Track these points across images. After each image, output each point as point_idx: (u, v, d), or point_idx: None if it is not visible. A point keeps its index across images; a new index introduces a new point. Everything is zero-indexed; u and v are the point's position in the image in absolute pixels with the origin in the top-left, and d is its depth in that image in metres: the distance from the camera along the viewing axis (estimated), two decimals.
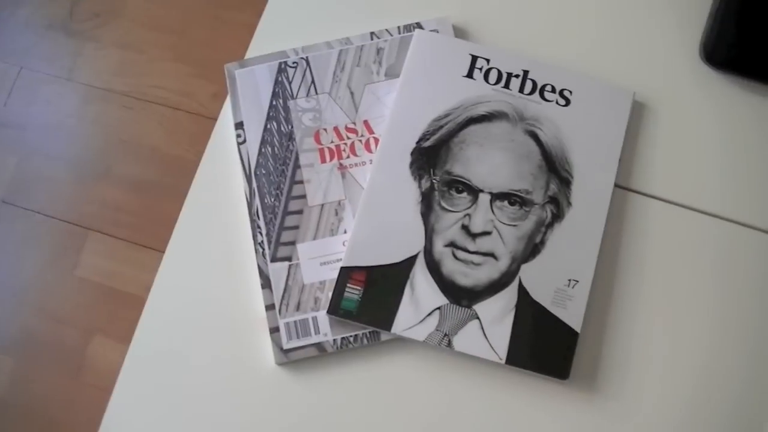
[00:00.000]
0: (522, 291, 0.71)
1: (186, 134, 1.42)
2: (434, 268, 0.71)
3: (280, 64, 0.77)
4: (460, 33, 0.79)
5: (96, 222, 1.54)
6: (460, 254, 0.71)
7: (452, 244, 0.71)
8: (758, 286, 0.75)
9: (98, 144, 1.61)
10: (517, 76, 0.75)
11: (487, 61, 0.76)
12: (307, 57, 0.77)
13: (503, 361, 0.70)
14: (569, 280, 0.72)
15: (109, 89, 1.62)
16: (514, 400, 0.72)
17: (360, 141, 0.75)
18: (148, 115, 1.60)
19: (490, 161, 0.73)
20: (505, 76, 0.75)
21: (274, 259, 0.73)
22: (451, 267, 0.71)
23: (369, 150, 0.75)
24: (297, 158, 0.75)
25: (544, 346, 0.70)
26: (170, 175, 1.44)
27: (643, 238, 0.76)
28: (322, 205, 0.74)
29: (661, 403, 0.73)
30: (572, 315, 0.71)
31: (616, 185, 0.76)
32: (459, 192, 0.72)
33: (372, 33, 0.78)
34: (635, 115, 0.78)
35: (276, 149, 0.75)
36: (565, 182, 0.73)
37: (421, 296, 0.70)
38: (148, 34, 1.65)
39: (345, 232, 0.73)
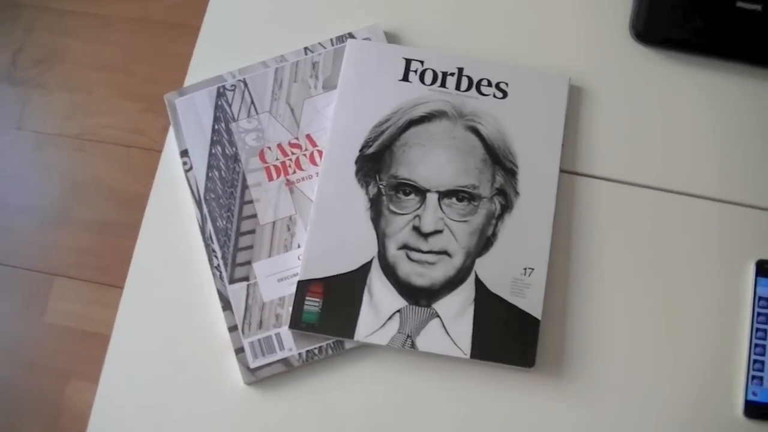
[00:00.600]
0: (479, 285, 0.75)
1: (141, 170, 1.46)
2: (390, 272, 0.75)
3: (219, 88, 0.81)
4: (392, 38, 0.83)
5: (60, 267, 1.58)
6: (414, 255, 0.75)
7: (405, 246, 0.75)
8: (710, 254, 0.80)
9: (55, 189, 1.64)
10: (452, 74, 0.80)
11: (422, 62, 0.80)
12: (244, 79, 0.81)
13: (468, 356, 0.73)
14: (525, 269, 0.76)
15: (60, 134, 1.66)
16: (482, 393, 0.75)
17: (304, 155, 0.79)
18: (102, 155, 1.64)
19: (434, 160, 0.77)
20: (440, 75, 0.80)
21: (232, 281, 0.76)
22: (406, 269, 0.75)
23: (314, 163, 0.79)
24: (244, 179, 0.79)
25: (507, 337, 0.74)
26: (130, 213, 1.48)
27: (594, 218, 0.80)
28: (274, 222, 0.78)
29: (625, 382, 0.76)
30: (532, 303, 0.75)
31: (562, 170, 0.80)
32: (406, 194, 0.76)
33: (306, 48, 0.82)
34: (573, 99, 0.83)
35: (223, 172, 0.79)
36: (511, 173, 0.77)
37: (380, 301, 0.74)
38: (93, 74, 1.69)
39: (299, 246, 0.77)
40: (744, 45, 0.83)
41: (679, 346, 0.77)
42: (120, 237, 1.57)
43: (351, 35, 0.81)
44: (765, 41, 0.82)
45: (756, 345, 0.78)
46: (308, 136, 0.78)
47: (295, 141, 0.78)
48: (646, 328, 0.77)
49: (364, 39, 0.80)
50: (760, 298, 0.79)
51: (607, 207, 0.80)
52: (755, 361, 0.78)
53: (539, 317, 0.74)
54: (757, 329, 0.78)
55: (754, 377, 0.77)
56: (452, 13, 0.85)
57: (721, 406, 0.76)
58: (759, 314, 0.79)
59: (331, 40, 0.81)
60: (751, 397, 0.77)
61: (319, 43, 0.81)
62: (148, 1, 1.78)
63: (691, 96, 0.83)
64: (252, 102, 0.79)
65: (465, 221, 0.74)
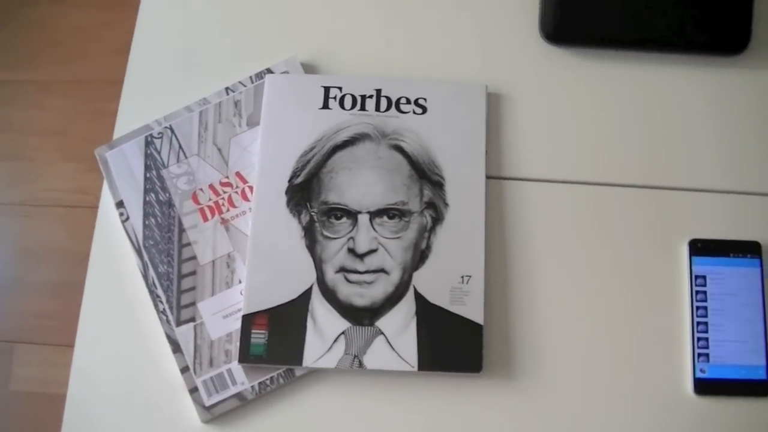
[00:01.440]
0: (419, 298, 0.81)
1: (89, 229, 1.52)
2: (330, 296, 0.81)
3: (147, 137, 0.88)
4: (309, 68, 0.90)
5: (20, 333, 1.64)
6: (352, 277, 0.81)
7: (342, 269, 0.81)
8: (644, 239, 0.86)
9: (5, 258, 1.70)
10: (370, 96, 0.87)
11: (340, 89, 0.87)
12: (170, 125, 0.88)
13: (416, 369, 0.79)
14: (462, 277, 0.82)
15: (5, 203, 1.73)
16: (434, 403, 0.81)
17: (236, 192, 0.86)
18: (49, 219, 1.71)
19: (362, 182, 0.83)
20: (359, 99, 0.87)
21: (179, 323, 0.82)
22: (346, 291, 0.81)
23: (246, 199, 0.86)
24: (180, 223, 0.85)
25: (452, 345, 0.80)
26: (82, 272, 1.53)
27: (526, 219, 0.86)
28: (213, 261, 0.84)
29: (573, 375, 0.82)
30: (472, 309, 0.81)
31: (488, 177, 0.86)
32: (338, 218, 0.83)
33: (227, 88, 0.89)
34: (492, 106, 0.89)
35: (159, 219, 0.86)
36: (438, 185, 0.84)
37: (324, 325, 0.80)
38: (33, 140, 1.76)
39: (240, 281, 0.83)
40: (653, 34, 0.90)
41: (623, 333, 0.83)
42: (74, 297, 1.61)
43: (269, 70, 0.88)
44: (673, 28, 0.89)
45: (698, 323, 0.83)
46: (238, 174, 0.85)
47: (225, 180, 0.85)
48: (589, 319, 0.83)
49: (282, 73, 0.87)
50: (696, 277, 0.85)
51: (537, 207, 0.86)
52: (699, 339, 0.83)
53: (481, 322, 0.80)
54: (697, 307, 0.84)
55: (699, 355, 0.83)
56: (366, 36, 0.91)
57: (672, 387, 0.82)
58: (697, 292, 0.84)
59: (251, 77, 0.88)
60: (699, 375, 0.82)
61: (240, 82, 0.88)
62: (82, 62, 1.86)
63: (605, 89, 0.90)
64: (180, 147, 0.86)
65: (398, 237, 0.81)
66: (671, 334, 0.83)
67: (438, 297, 0.80)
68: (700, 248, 0.86)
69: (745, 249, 0.86)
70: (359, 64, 0.90)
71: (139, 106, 0.89)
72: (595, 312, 0.83)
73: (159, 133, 0.85)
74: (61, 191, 1.73)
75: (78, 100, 1.79)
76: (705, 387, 0.83)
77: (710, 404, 0.82)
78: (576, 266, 0.84)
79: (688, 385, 0.82)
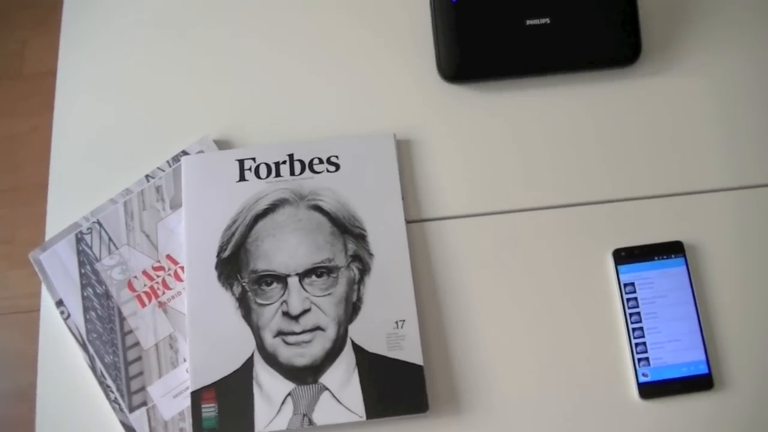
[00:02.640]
0: (357, 349, 0.90)
1: None
2: (272, 360, 0.90)
3: (77, 234, 0.98)
4: (223, 145, 1.00)
5: None
6: (290, 339, 0.90)
7: (280, 333, 0.90)
8: (570, 256, 0.94)
9: None
10: (284, 162, 0.97)
11: (253, 159, 0.97)
12: (98, 219, 0.98)
13: (364, 418, 0.87)
14: (396, 322, 0.91)
15: None
16: None
17: (169, 275, 0.96)
18: (5, 326, 1.82)
19: (287, 246, 0.93)
20: (273, 166, 0.96)
21: (131, 410, 0.91)
22: (286, 354, 0.90)
23: (179, 279, 0.95)
24: (120, 312, 0.95)
25: (396, 389, 0.87)
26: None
27: (452, 256, 0.94)
28: (156, 344, 0.94)
29: (520, 399, 0.89)
30: (411, 352, 0.90)
31: (408, 221, 0.94)
32: (269, 284, 0.92)
33: (147, 175, 0.99)
34: (403, 152, 0.98)
35: (99, 311, 0.95)
36: (361, 237, 0.94)
37: (270, 389, 0.89)
38: None
39: (184, 360, 0.93)
40: (547, 59, 0.98)
41: (563, 352, 0.90)
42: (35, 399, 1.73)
43: (185, 152, 0.98)
44: (566, 50, 0.98)
45: (634, 329, 0.91)
46: (168, 256, 0.95)
47: (157, 264, 0.95)
48: (528, 343, 0.90)
49: (197, 153, 0.97)
50: (625, 285, 0.92)
51: (461, 243, 0.94)
52: (637, 344, 0.90)
53: (421, 363, 0.87)
54: (631, 314, 0.91)
55: (640, 360, 0.90)
56: (273, 104, 1.00)
57: (618, 396, 0.89)
58: (628, 300, 0.92)
59: (168, 161, 0.98)
60: (642, 379, 0.89)
61: (158, 168, 0.98)
62: (15, 170, 1.98)
63: (508, 118, 0.98)
64: (110, 239, 0.96)
65: (329, 294, 0.90)
66: (610, 345, 0.91)
67: (375, 345, 0.87)
68: (624, 257, 0.93)
69: (669, 250, 0.94)
70: (271, 133, 0.99)
71: (65, 205, 0.98)
72: (533, 335, 0.91)
73: (88, 229, 0.94)
74: (13, 298, 1.84)
75: (17, 207, 1.91)
76: (650, 390, 0.89)
77: (657, 406, 0.89)
78: (508, 294, 0.92)
79: (634, 391, 0.89)
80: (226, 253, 0.90)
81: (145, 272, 0.90)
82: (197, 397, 0.87)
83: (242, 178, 0.94)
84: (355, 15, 1.04)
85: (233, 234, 0.91)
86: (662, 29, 1.03)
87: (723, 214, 0.95)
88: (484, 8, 0.97)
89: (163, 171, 0.94)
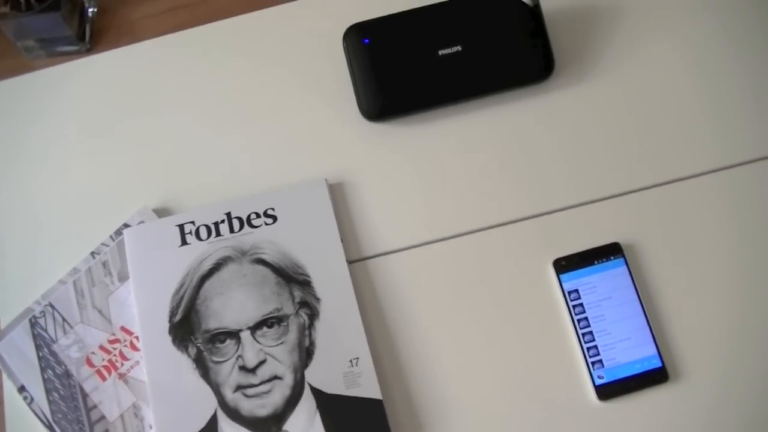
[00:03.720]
0: (316, 392, 0.96)
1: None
2: (235, 415, 0.96)
3: (30, 319, 1.05)
4: (162, 212, 1.08)
5: None
6: (249, 391, 0.97)
7: (239, 387, 0.97)
8: (514, 273, 1.00)
9: None
10: (222, 221, 1.04)
11: (193, 223, 1.04)
12: (49, 302, 1.05)
13: None
14: (351, 361, 0.98)
15: None
16: None
17: (125, 346, 1.03)
18: None
19: (235, 302, 1.00)
20: (212, 227, 1.04)
21: None
22: (247, 406, 0.97)
23: (136, 349, 1.03)
24: (82, 389, 1.02)
25: (359, 426, 0.92)
26: None
27: (397, 289, 1.00)
28: (121, 415, 1.00)
29: (482, 418, 0.94)
30: (368, 388, 0.96)
31: (350, 262, 1.01)
32: (222, 342, 0.99)
33: (92, 252, 1.07)
34: (337, 195, 1.04)
35: (61, 391, 1.02)
36: (306, 284, 1.01)
37: None
38: None
39: (151, 427, 1.00)
40: (460, 85, 1.06)
41: (519, 366, 0.96)
42: None
43: (126, 225, 1.06)
44: (476, 75, 1.06)
45: (584, 334, 0.97)
46: (122, 328, 1.02)
47: (113, 337, 1.02)
48: (484, 362, 0.96)
49: (138, 223, 1.05)
50: (569, 293, 0.99)
51: (404, 275, 1.00)
52: (588, 348, 0.96)
53: (380, 397, 0.93)
54: (579, 320, 0.98)
55: (594, 363, 0.96)
56: (207, 166, 1.07)
57: (577, 401, 0.95)
58: (574, 306, 0.98)
59: (111, 236, 1.05)
60: (598, 382, 0.95)
61: (102, 244, 1.05)
62: None
63: (435, 147, 1.06)
64: (63, 319, 1.03)
65: (282, 343, 0.97)
66: (564, 353, 0.97)
67: (333, 386, 0.94)
68: (564, 266, 1.00)
69: (607, 252, 1.01)
70: (207, 194, 1.06)
71: (17, 291, 1.04)
72: (488, 355, 0.97)
73: (41, 312, 1.01)
74: None
75: None
76: (607, 391, 0.95)
77: (617, 406, 0.95)
78: (457, 319, 0.98)
79: (592, 394, 0.95)
80: (178, 317, 0.95)
81: (101, 347, 0.97)
82: None
83: (184, 242, 0.99)
84: (274, 70, 1.11)
85: (182, 298, 0.96)
86: (572, 41, 1.10)
87: (653, 209, 1.02)
88: (396, 45, 1.05)
89: (108, 246, 1.00)
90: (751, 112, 1.06)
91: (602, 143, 1.06)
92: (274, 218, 1.00)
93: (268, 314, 0.97)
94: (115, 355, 0.96)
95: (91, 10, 1.78)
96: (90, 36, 1.79)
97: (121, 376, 0.95)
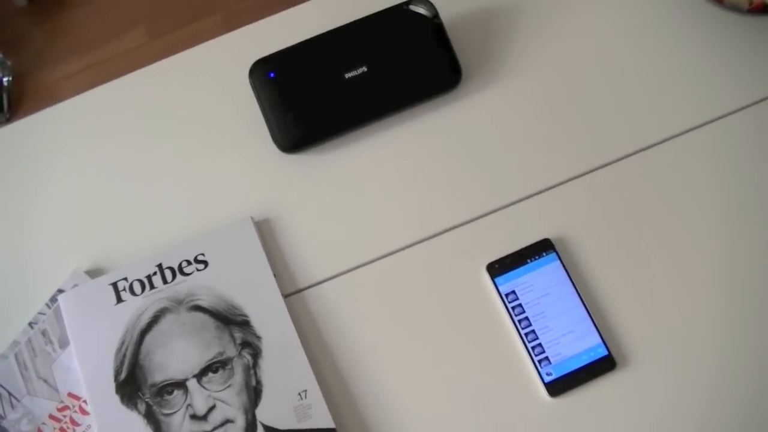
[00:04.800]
0: (269, 430, 0.99)
1: None
2: None
3: None
4: (95, 272, 1.11)
5: None
6: None
7: None
8: (451, 283, 1.05)
9: None
10: (154, 273, 1.08)
11: (126, 279, 1.08)
12: None
13: None
14: (299, 394, 1.01)
15: None
16: None
17: (75, 412, 1.06)
18: None
19: (178, 352, 1.03)
20: (145, 281, 1.07)
21: None
22: None
23: (85, 413, 1.05)
24: None
25: None
26: None
27: (337, 316, 1.04)
28: None
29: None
30: (320, 418, 0.99)
31: (285, 296, 1.05)
32: (170, 393, 1.02)
33: (30, 323, 1.10)
34: (265, 231, 1.08)
35: None
36: (245, 324, 1.04)
37: None
38: None
39: None
40: (371, 105, 1.10)
41: (468, 376, 1.00)
42: None
43: (60, 290, 1.09)
44: (385, 93, 1.10)
45: (527, 334, 1.00)
46: (70, 394, 1.05)
47: (61, 405, 1.05)
48: (433, 377, 1.00)
49: (72, 287, 1.09)
50: (506, 295, 1.02)
51: (342, 300, 1.03)
52: (533, 347, 1.00)
53: (333, 426, 0.96)
54: (520, 321, 1.01)
55: (540, 360, 0.99)
56: (133, 221, 1.10)
57: (530, 402, 0.99)
58: (513, 308, 1.02)
59: (46, 303, 1.08)
60: (547, 379, 0.99)
61: (39, 312, 1.08)
62: None
63: (355, 169, 1.09)
64: (9, 394, 1.05)
65: (229, 386, 1.00)
66: (510, 356, 1.01)
67: (285, 421, 0.97)
68: (498, 268, 1.04)
69: (539, 249, 1.05)
70: (138, 248, 1.09)
71: None
72: (435, 369, 1.00)
73: None
74: None
75: None
76: (557, 387, 0.99)
77: (569, 400, 0.99)
78: (400, 337, 1.02)
79: (543, 392, 0.98)
80: (123, 375, 0.98)
81: (51, 416, 1.00)
82: None
83: (119, 299, 1.03)
84: (189, 116, 1.15)
85: (124, 355, 0.99)
86: (476, 45, 1.15)
87: (578, 200, 1.07)
88: (302, 74, 1.08)
89: (45, 314, 1.03)
90: (656, 94, 1.11)
91: (519, 142, 1.10)
92: (206, 263, 1.03)
93: (211, 359, 0.99)
94: (65, 422, 0.98)
95: (6, 79, 1.81)
96: (9, 105, 1.81)
97: None
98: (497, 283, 1.04)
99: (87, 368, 1.01)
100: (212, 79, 1.15)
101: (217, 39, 1.17)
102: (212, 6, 2.15)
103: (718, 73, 1.12)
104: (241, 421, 0.97)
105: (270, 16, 1.18)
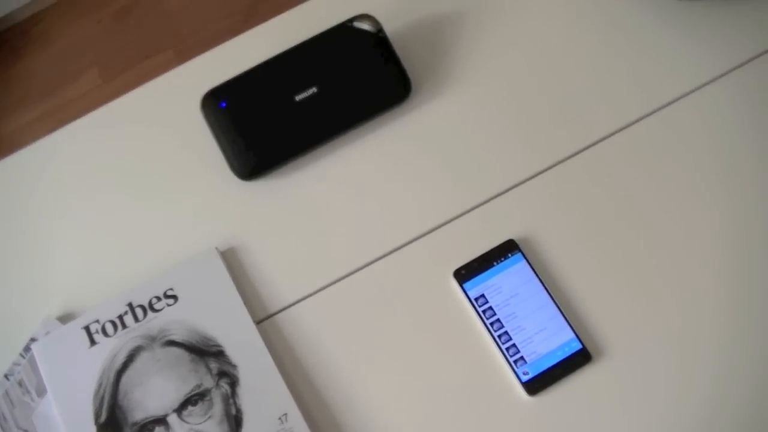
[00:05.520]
0: None
1: None
2: None
3: None
4: (66, 318, 1.11)
5: None
6: None
7: None
8: (421, 294, 1.07)
9: None
10: (126, 313, 1.09)
11: (97, 321, 1.09)
12: None
13: None
14: (279, 418, 1.03)
15: None
16: None
17: None
18: None
19: (155, 389, 1.03)
20: (117, 321, 1.09)
21: None
22: None
23: None
24: None
25: None
26: None
27: (310, 337, 1.06)
28: None
29: None
30: None
31: (258, 322, 1.06)
32: (152, 430, 1.04)
33: (5, 375, 1.12)
34: (231, 259, 1.10)
35: None
36: (219, 354, 1.06)
37: None
38: None
39: None
40: (324, 125, 1.13)
41: (448, 384, 1.02)
42: None
43: (33, 339, 1.11)
44: (337, 111, 1.13)
45: (500, 336, 1.03)
46: None
47: None
48: (412, 389, 1.02)
49: (45, 335, 1.10)
50: (476, 299, 1.04)
51: (314, 321, 1.06)
52: (508, 348, 1.02)
53: None
54: (491, 323, 1.03)
55: (516, 361, 1.02)
56: (99, 261, 1.13)
57: (510, 402, 1.01)
58: (484, 311, 1.04)
59: (21, 354, 1.09)
60: (524, 378, 1.01)
61: (14, 363, 1.09)
62: None
63: (312, 192, 1.13)
64: None
65: (209, 417, 1.01)
66: (486, 360, 1.03)
67: None
68: (465, 274, 1.06)
69: (504, 251, 1.07)
70: (108, 289, 1.11)
71: None
72: (413, 380, 1.03)
73: None
74: None
75: None
76: (535, 385, 1.01)
77: (549, 397, 1.01)
78: (376, 352, 1.04)
79: (521, 392, 1.01)
80: (103, 418, 1.01)
81: None
82: None
83: (93, 342, 1.05)
84: (146, 151, 1.17)
85: (103, 397, 1.01)
86: (423, 55, 1.18)
87: (537, 199, 1.10)
88: (253, 101, 1.11)
89: (19, 364, 1.05)
90: (606, 83, 1.15)
91: (475, 146, 1.13)
92: (175, 298, 1.05)
93: (189, 393, 1.01)
94: None
95: None
96: None
97: None
98: (465, 289, 1.05)
99: (66, 414, 1.02)
100: (166, 114, 1.17)
101: (167, 74, 1.20)
102: (163, 42, 2.18)
103: (655, 62, 1.16)
104: None
105: (218, 46, 1.19)
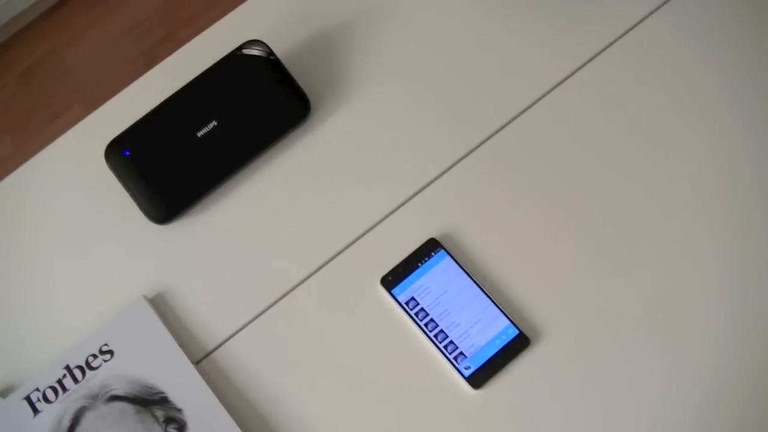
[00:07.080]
0: None
1: None
2: None
3: None
4: (6, 391, 1.09)
5: None
6: None
7: None
8: (354, 308, 1.11)
9: None
10: (64, 376, 1.10)
11: (37, 389, 1.10)
12: None
13: None
14: None
15: None
16: None
17: None
18: None
19: None
20: (57, 385, 1.11)
21: None
22: None
23: None
24: None
25: None
26: None
27: (253, 368, 1.10)
28: None
29: None
30: None
31: (196, 362, 1.10)
32: None
33: None
34: (160, 305, 1.13)
35: None
36: (163, 400, 1.07)
37: None
38: None
39: None
40: (231, 156, 1.16)
41: (393, 392, 1.06)
42: None
43: None
44: (241, 141, 1.16)
45: (436, 335, 1.06)
46: None
47: None
48: (360, 400, 1.06)
49: None
50: (406, 303, 1.08)
51: (254, 351, 1.10)
52: (446, 346, 1.06)
53: None
54: (426, 324, 1.07)
55: (456, 357, 1.05)
56: (29, 328, 1.16)
57: (457, 399, 1.05)
58: (416, 313, 1.08)
59: None
60: (467, 373, 1.05)
61: None
62: None
63: (231, 222, 1.16)
64: None
65: None
66: (428, 362, 1.07)
67: None
68: (392, 280, 1.09)
69: (427, 250, 1.11)
70: (42, 356, 1.14)
71: None
72: (360, 395, 1.06)
73: None
74: None
75: None
76: (479, 378, 1.05)
77: (494, 387, 1.04)
78: (320, 373, 1.08)
79: (466, 387, 1.04)
80: None
81: None
82: None
83: (36, 411, 1.08)
84: (58, 212, 1.19)
85: None
86: (319, 72, 1.22)
87: (452, 193, 1.14)
88: (155, 144, 1.14)
89: None
90: (502, 71, 1.19)
91: (383, 152, 1.16)
92: (111, 352, 1.09)
93: None
94: None
95: None
96: None
97: None
98: (394, 294, 1.09)
99: None
100: (76, 170, 1.20)
101: (72, 129, 1.23)
102: (70, 98, 2.20)
103: (565, 26, 1.20)
104: None
105: (119, 93, 1.22)
